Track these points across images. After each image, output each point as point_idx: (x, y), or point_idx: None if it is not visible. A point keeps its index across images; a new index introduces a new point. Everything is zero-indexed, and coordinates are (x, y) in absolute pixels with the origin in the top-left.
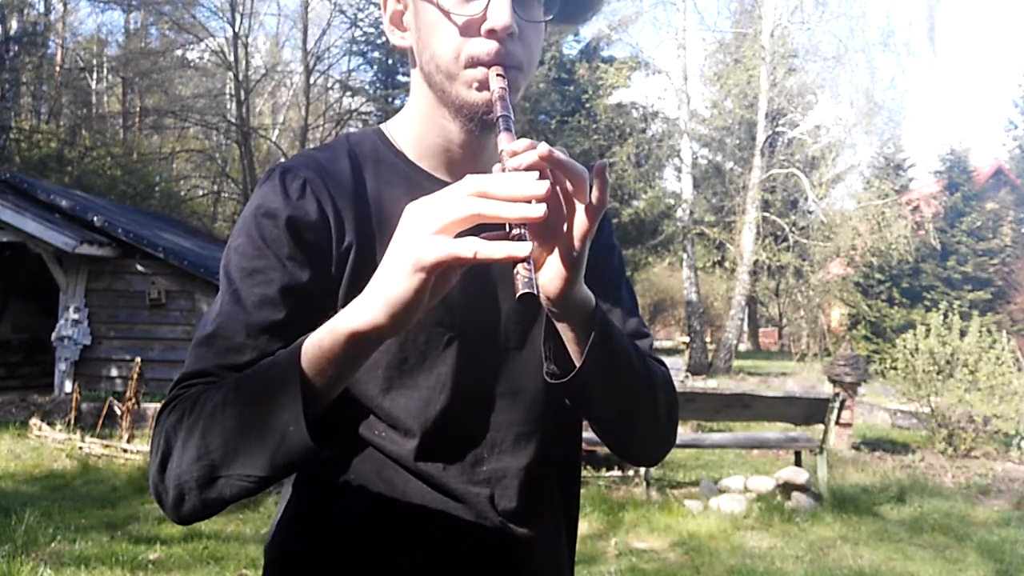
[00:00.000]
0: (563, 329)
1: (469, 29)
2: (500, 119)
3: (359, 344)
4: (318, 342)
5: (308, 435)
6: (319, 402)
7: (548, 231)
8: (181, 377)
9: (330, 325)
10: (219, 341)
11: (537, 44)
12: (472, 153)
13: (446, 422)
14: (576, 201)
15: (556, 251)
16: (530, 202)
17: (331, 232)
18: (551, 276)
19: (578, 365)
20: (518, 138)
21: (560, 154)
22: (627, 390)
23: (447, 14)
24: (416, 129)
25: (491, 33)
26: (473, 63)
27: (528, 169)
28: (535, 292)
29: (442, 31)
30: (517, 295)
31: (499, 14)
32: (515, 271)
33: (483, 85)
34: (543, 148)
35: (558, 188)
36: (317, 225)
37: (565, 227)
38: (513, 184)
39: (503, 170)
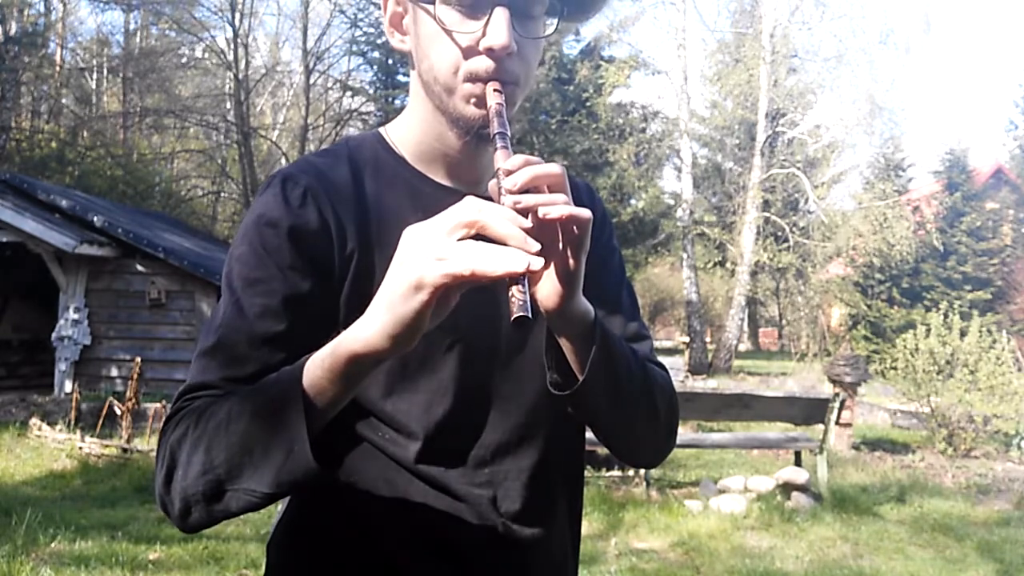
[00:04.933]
0: (563, 340)
1: (469, 45)
2: (497, 136)
3: (360, 364)
4: (320, 362)
5: (312, 456)
6: (322, 419)
7: (544, 248)
8: (185, 389)
9: (332, 346)
10: (222, 353)
11: (535, 59)
12: (471, 158)
13: (448, 425)
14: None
15: (552, 266)
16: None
17: (332, 240)
18: (548, 291)
19: (580, 378)
20: (514, 151)
21: (552, 169)
22: (628, 398)
23: (449, 33)
24: (415, 133)
25: (490, 51)
26: (471, 78)
27: (523, 189)
28: (530, 316)
29: (441, 44)
30: (512, 318)
31: (498, 34)
32: (510, 294)
33: (480, 100)
34: (536, 170)
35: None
36: (318, 234)
37: (560, 244)
38: (508, 217)
39: (499, 189)
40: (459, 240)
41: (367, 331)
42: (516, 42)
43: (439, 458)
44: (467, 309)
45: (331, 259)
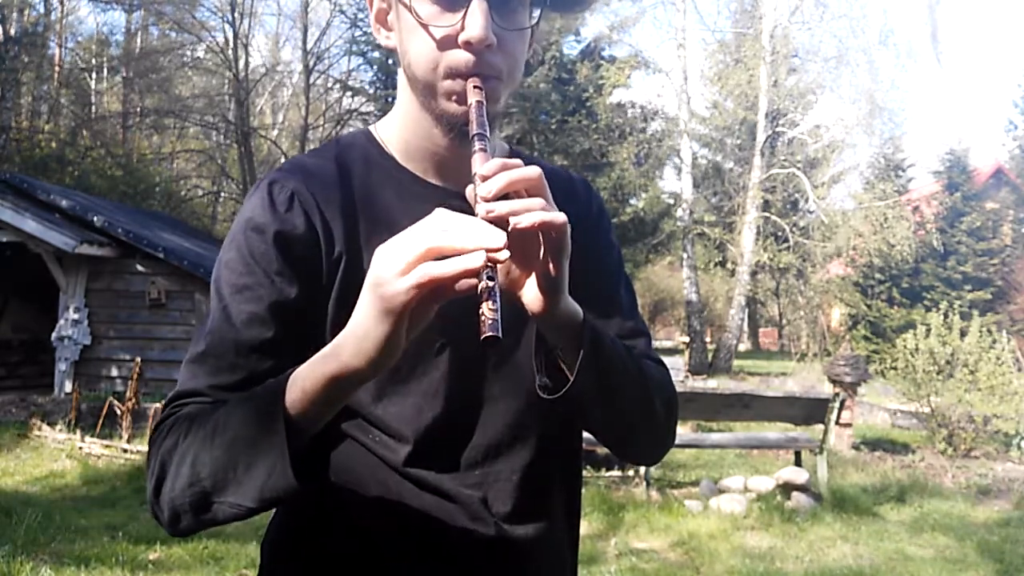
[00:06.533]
0: (552, 342)
1: (447, 39)
2: (475, 137)
3: (339, 386)
4: (300, 383)
5: (292, 476)
6: (305, 435)
7: (524, 253)
8: (174, 396)
9: (310, 367)
10: (210, 360)
11: (521, 51)
12: (459, 156)
13: (439, 428)
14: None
15: (534, 274)
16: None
17: (320, 244)
18: (532, 297)
19: (570, 379)
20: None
21: (528, 173)
22: (622, 397)
23: (425, 27)
24: (403, 132)
25: (468, 45)
26: (451, 74)
27: (498, 195)
28: (499, 335)
29: (420, 39)
30: (482, 337)
31: (475, 26)
32: (480, 312)
33: (461, 97)
34: (512, 175)
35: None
36: (305, 238)
37: (541, 249)
38: (473, 231)
39: (475, 196)
40: (424, 254)
41: (343, 354)
42: (497, 35)
43: (431, 461)
44: (456, 311)
45: (319, 263)
